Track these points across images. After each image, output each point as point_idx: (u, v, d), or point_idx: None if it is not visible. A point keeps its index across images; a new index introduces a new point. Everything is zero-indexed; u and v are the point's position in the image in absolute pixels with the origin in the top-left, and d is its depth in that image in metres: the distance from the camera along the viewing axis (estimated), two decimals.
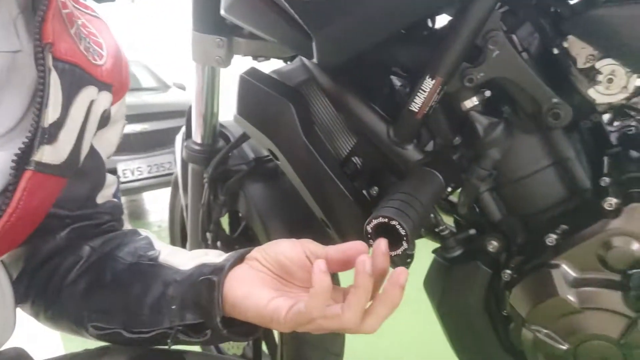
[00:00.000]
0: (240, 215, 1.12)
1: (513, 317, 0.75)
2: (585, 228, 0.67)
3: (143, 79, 4.77)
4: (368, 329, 0.48)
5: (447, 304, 0.80)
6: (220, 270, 0.55)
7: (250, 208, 1.05)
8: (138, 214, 4.18)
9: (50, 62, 0.48)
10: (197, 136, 1.06)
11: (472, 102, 0.70)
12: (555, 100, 0.64)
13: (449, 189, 0.80)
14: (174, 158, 1.22)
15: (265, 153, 1.09)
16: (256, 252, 0.57)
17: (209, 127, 1.05)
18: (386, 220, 0.57)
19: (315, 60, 0.69)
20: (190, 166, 1.09)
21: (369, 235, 0.59)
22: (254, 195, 1.05)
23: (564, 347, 0.69)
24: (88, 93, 0.54)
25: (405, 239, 0.57)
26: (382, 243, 0.53)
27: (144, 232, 0.67)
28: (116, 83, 0.60)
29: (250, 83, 0.75)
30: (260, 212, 1.03)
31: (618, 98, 0.64)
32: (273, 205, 1.03)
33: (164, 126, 3.85)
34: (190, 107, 1.07)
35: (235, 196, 1.07)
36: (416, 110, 0.68)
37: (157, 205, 4.37)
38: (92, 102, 0.55)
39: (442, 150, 0.73)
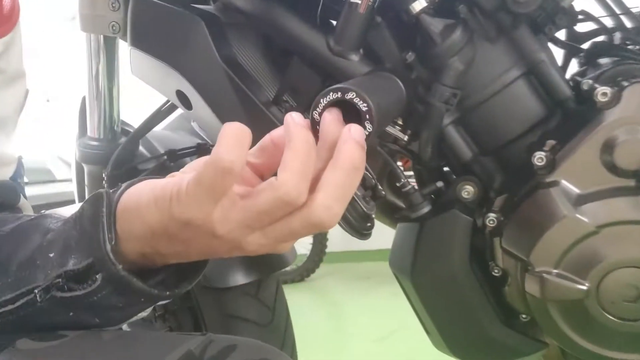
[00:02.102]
0: None
1: (509, 271, 0.59)
2: (580, 131, 0.54)
3: (57, 171, 4.54)
4: (321, 209, 0.33)
5: (422, 270, 0.62)
6: (117, 190, 0.39)
7: None
8: None
9: None
10: (93, 130, 0.86)
11: (420, 3, 0.58)
12: None
13: (406, 137, 0.66)
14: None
15: (181, 146, 0.90)
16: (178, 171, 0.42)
17: (107, 116, 0.86)
18: (339, 94, 0.41)
19: None
20: (86, 169, 0.88)
21: (318, 126, 0.42)
22: None
23: (584, 287, 0.53)
24: None
25: (368, 117, 0.41)
26: (332, 111, 0.39)
27: None
28: None
29: (146, 1, 0.59)
30: None
31: None
32: None
33: None
34: (83, 98, 0.88)
35: None
36: (359, 1, 0.54)
37: None
38: None
39: (395, 67, 0.60)
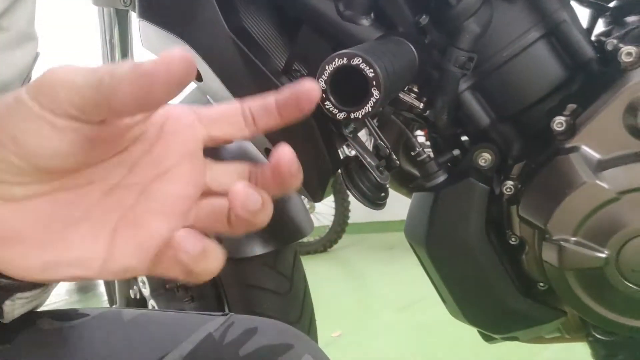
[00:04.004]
0: None
1: (526, 239, 0.58)
2: (602, 94, 0.52)
3: None
4: None
5: (438, 239, 0.62)
6: None
7: None
8: (87, 287, 3.79)
9: None
10: None
11: None
12: None
13: (422, 105, 0.64)
14: None
15: None
16: None
17: None
18: (344, 60, 0.40)
19: None
20: None
21: (324, 95, 0.41)
22: None
23: (603, 255, 0.51)
24: None
25: (375, 83, 0.40)
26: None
27: None
28: None
29: None
30: None
31: None
32: None
33: None
34: None
35: None
36: None
37: None
38: None
39: (408, 31, 0.58)
